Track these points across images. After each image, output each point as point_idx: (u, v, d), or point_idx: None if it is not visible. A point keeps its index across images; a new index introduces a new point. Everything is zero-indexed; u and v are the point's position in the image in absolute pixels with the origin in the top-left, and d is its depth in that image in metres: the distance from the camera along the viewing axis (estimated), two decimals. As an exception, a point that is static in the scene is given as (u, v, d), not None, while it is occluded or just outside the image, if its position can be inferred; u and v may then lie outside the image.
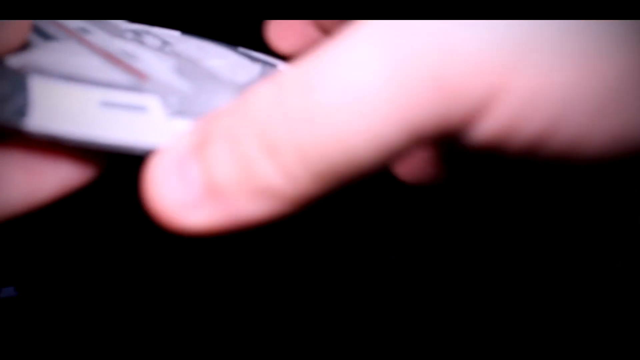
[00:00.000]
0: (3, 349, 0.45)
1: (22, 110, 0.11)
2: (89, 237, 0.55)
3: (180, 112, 0.12)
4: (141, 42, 0.15)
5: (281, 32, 0.18)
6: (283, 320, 0.50)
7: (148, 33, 0.17)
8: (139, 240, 0.56)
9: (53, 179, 0.15)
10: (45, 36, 0.14)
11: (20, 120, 0.11)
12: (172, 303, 0.52)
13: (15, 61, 0.12)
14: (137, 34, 0.16)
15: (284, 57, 0.20)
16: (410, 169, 0.18)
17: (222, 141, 0.11)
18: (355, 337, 0.48)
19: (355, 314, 0.50)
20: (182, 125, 0.12)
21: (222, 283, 0.54)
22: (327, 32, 0.19)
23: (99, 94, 0.12)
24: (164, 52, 0.15)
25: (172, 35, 0.17)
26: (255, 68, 0.16)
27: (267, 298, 0.53)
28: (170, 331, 0.48)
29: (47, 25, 0.16)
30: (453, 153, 0.18)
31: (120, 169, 0.56)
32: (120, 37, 0.16)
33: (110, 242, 0.55)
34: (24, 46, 0.13)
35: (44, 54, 0.13)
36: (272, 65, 0.16)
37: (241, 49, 0.17)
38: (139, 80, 0.13)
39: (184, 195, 0.11)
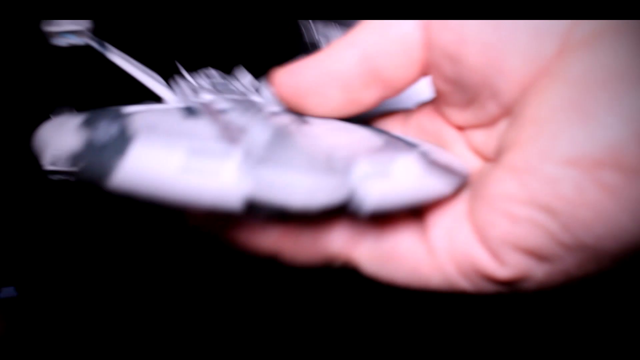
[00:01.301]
0: (3, 349, 0.45)
1: (108, 169, 0.13)
2: (89, 237, 0.55)
3: (263, 183, 0.13)
4: (263, 117, 0.17)
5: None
6: (279, 319, 0.50)
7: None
8: (138, 240, 0.56)
9: None
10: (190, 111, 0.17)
11: (105, 179, 0.13)
12: (172, 303, 0.52)
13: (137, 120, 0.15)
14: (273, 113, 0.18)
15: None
16: None
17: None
18: (350, 336, 0.48)
19: (350, 312, 0.50)
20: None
21: (220, 283, 0.54)
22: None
23: (182, 159, 0.13)
24: (282, 133, 0.16)
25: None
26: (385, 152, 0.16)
27: (265, 298, 0.53)
28: (170, 331, 0.48)
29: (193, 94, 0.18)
30: None
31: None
32: (254, 113, 0.17)
33: (110, 242, 0.55)
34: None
35: (161, 118, 0.15)
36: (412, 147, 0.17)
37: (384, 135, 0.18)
38: (227, 148, 0.14)
39: None
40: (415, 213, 0.17)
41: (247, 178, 0.13)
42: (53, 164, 0.15)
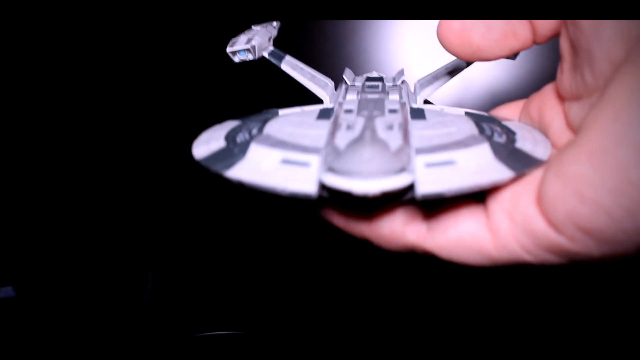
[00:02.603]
0: (3, 349, 0.45)
1: (231, 163, 0.17)
2: (89, 237, 0.55)
3: (331, 170, 0.16)
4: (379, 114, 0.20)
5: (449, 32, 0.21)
6: (274, 317, 0.50)
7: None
8: (137, 240, 0.56)
9: None
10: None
11: (225, 171, 0.17)
12: (171, 303, 0.52)
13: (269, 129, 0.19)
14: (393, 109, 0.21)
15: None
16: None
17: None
18: (345, 334, 0.48)
19: (345, 312, 0.50)
20: (329, 179, 0.16)
21: (219, 282, 0.54)
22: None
23: (283, 155, 0.17)
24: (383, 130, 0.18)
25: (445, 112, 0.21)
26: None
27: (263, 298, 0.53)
28: (170, 331, 0.48)
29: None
30: None
31: (119, 178, 0.56)
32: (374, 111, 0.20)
33: (110, 241, 0.55)
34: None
35: (280, 126, 0.19)
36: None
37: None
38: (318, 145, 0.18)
39: None
40: (479, 197, 0.19)
41: (322, 169, 0.16)
42: (201, 156, 0.18)
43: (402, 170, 0.16)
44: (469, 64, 0.25)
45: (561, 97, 0.19)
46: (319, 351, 0.47)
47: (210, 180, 0.57)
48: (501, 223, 0.17)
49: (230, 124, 0.21)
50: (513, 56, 0.23)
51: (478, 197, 0.18)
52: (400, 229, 0.19)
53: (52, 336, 0.47)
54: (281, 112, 0.22)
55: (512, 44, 0.19)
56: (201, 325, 0.49)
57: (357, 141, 0.17)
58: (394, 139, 0.17)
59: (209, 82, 0.52)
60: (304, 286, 0.53)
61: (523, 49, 0.20)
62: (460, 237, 0.18)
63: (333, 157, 0.16)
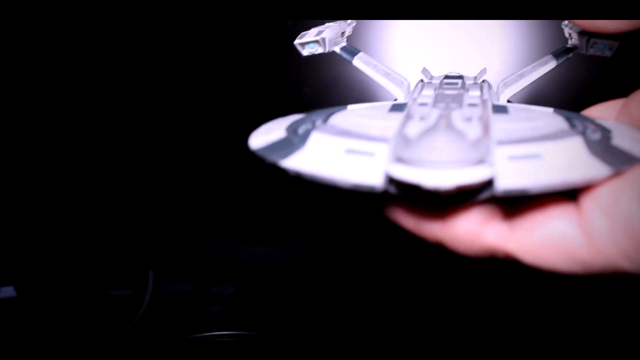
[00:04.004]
0: (3, 349, 0.45)
1: (289, 152, 0.16)
2: (89, 236, 0.55)
3: (399, 159, 0.14)
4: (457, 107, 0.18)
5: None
6: (270, 319, 0.50)
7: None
8: (138, 238, 0.56)
9: None
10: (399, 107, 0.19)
11: (281, 160, 0.15)
12: (169, 304, 0.52)
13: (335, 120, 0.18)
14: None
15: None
16: None
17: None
18: (340, 334, 0.48)
19: (340, 313, 0.50)
20: (401, 171, 0.14)
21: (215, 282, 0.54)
22: None
23: (345, 144, 0.15)
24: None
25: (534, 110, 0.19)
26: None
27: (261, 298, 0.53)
28: (168, 332, 0.48)
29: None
30: None
31: (119, 183, 0.55)
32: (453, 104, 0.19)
33: (110, 240, 0.55)
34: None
35: (348, 118, 0.18)
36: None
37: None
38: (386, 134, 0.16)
39: None
40: (569, 195, 0.16)
41: (390, 160, 0.14)
42: (257, 146, 0.17)
43: (481, 162, 0.14)
44: (558, 61, 0.23)
45: None
46: (320, 351, 0.47)
47: (211, 176, 0.57)
48: (597, 222, 0.15)
49: (294, 117, 0.19)
50: (611, 48, 0.21)
51: (569, 195, 0.16)
52: (478, 229, 0.17)
53: (52, 336, 0.47)
54: (350, 107, 0.20)
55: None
56: (201, 326, 0.49)
57: (431, 129, 0.15)
58: (472, 130, 0.15)
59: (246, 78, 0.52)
60: (305, 286, 0.53)
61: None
62: (548, 238, 0.16)
63: (402, 146, 0.14)
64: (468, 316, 0.48)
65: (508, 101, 0.23)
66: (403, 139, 0.15)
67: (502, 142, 0.15)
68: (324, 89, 0.50)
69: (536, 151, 0.15)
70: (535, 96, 0.49)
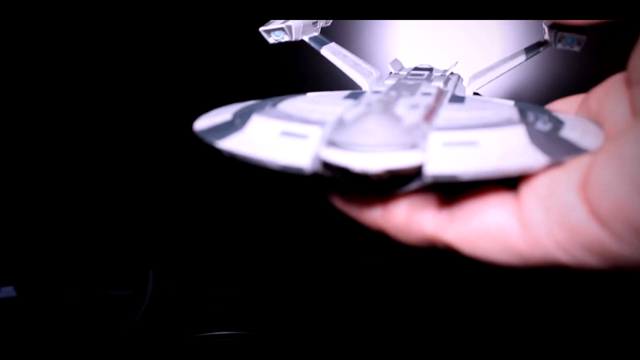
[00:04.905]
0: (3, 349, 0.45)
1: (227, 134, 0.16)
2: (89, 236, 0.55)
3: (330, 142, 0.14)
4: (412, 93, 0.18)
5: None
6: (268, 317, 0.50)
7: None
8: (138, 238, 0.56)
9: None
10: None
11: (217, 141, 0.15)
12: (169, 304, 0.52)
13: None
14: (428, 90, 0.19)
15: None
16: None
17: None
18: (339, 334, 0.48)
19: (340, 313, 0.50)
20: (330, 153, 0.14)
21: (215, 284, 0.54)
22: None
23: (281, 126, 0.15)
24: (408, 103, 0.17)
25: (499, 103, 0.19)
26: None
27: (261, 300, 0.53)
28: (168, 332, 0.48)
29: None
30: None
31: (121, 179, 0.55)
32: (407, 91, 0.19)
33: (111, 240, 0.55)
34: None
35: (296, 104, 0.18)
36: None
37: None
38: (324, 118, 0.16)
39: None
40: (508, 185, 0.16)
41: (321, 142, 0.14)
42: (201, 129, 0.17)
43: (413, 147, 0.13)
44: (527, 55, 0.23)
45: (630, 83, 0.16)
46: (320, 351, 0.47)
47: (213, 177, 0.57)
48: (534, 213, 0.15)
49: (249, 103, 0.19)
50: (579, 42, 0.21)
51: (512, 185, 0.16)
52: (417, 218, 0.16)
53: (52, 336, 0.47)
54: (310, 94, 0.20)
55: None
56: (202, 326, 0.49)
57: (365, 113, 0.15)
58: (411, 116, 0.15)
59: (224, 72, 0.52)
60: (306, 286, 0.53)
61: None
62: (485, 228, 0.15)
63: (336, 130, 0.14)
64: (468, 317, 0.48)
65: (475, 94, 0.23)
66: (339, 123, 0.15)
67: (440, 129, 0.15)
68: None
69: (473, 138, 0.14)
70: (527, 92, 0.49)
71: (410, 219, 0.16)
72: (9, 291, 0.50)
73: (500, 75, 0.23)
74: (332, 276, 0.54)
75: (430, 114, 0.16)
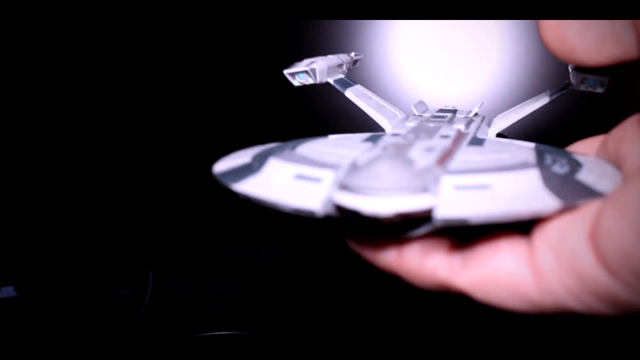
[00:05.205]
0: (3, 349, 0.45)
1: (244, 176, 0.16)
2: (89, 236, 0.55)
3: (342, 186, 0.14)
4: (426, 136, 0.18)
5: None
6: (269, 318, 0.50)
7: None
8: (138, 239, 0.56)
9: None
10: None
11: (233, 183, 0.16)
12: (169, 304, 0.52)
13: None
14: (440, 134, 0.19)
15: None
16: None
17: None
18: (339, 335, 0.48)
19: (344, 314, 0.50)
20: (343, 198, 0.14)
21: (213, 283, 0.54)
22: None
23: (296, 169, 0.15)
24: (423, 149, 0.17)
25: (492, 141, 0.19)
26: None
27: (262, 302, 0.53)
28: (169, 332, 0.48)
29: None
30: None
31: (121, 179, 0.55)
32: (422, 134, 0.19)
33: (111, 241, 0.55)
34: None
35: (313, 148, 0.18)
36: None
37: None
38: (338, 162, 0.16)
39: None
40: (522, 230, 0.16)
41: (333, 185, 0.14)
42: (220, 172, 0.17)
43: (424, 190, 0.14)
44: (551, 97, 0.23)
45: None
46: (320, 351, 0.47)
47: (211, 177, 0.57)
48: (545, 259, 0.14)
49: (270, 145, 0.19)
50: (602, 84, 0.21)
51: (527, 229, 0.15)
52: (431, 263, 0.16)
53: (53, 336, 0.47)
54: (331, 136, 0.20)
55: (612, 50, 0.16)
56: (202, 326, 0.49)
57: (378, 157, 0.15)
58: (424, 159, 0.15)
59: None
60: (306, 286, 0.53)
61: (626, 58, 0.16)
62: (497, 275, 0.15)
63: (348, 173, 0.14)
64: (468, 317, 0.48)
65: (500, 135, 0.23)
66: (352, 166, 0.15)
67: (453, 172, 0.15)
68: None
69: (486, 182, 0.14)
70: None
71: (423, 264, 0.16)
72: (9, 291, 0.50)
73: (524, 116, 0.23)
74: (332, 276, 0.54)
75: (445, 157, 0.16)
